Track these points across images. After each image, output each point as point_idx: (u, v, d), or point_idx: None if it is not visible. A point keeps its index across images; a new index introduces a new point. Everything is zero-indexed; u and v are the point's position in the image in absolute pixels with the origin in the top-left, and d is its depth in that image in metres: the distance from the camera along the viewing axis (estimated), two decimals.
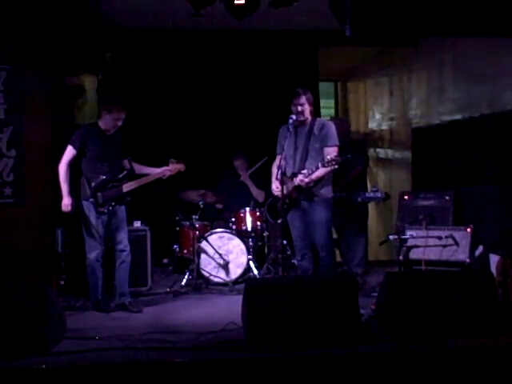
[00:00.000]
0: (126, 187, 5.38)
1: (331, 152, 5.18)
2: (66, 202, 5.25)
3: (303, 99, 5.27)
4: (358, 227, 6.57)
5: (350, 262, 6.48)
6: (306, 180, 5.11)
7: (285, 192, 5.19)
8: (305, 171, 5.11)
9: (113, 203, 5.33)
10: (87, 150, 5.28)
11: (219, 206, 7.13)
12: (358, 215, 6.53)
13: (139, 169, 5.59)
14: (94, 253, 5.31)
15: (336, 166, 5.05)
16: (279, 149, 5.43)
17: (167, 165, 5.57)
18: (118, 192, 5.34)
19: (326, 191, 5.31)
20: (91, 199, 5.25)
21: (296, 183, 5.17)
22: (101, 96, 7.27)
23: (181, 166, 5.63)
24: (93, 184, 5.26)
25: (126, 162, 5.53)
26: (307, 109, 5.30)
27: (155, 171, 5.55)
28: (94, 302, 5.37)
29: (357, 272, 6.32)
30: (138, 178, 5.49)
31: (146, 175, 5.52)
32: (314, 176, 5.12)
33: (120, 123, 5.35)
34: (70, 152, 5.26)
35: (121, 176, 5.39)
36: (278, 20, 6.49)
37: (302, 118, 5.29)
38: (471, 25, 4.88)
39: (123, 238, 5.45)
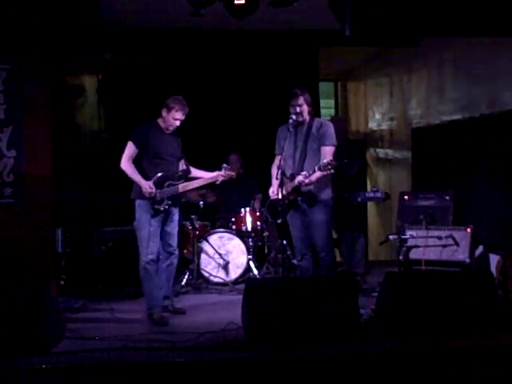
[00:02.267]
0: (183, 187, 5.24)
1: (328, 151, 5.19)
2: (147, 185, 4.97)
3: (301, 100, 5.27)
4: (358, 227, 6.57)
5: (349, 261, 6.48)
6: (306, 181, 5.11)
7: (284, 192, 5.19)
8: (304, 173, 5.10)
9: (170, 202, 5.12)
10: (147, 147, 5.11)
11: (212, 199, 7.08)
12: (357, 215, 6.53)
13: (193, 171, 5.44)
14: (149, 255, 5.02)
15: (332, 171, 5.03)
16: (278, 149, 5.43)
17: (219, 169, 5.40)
18: (175, 191, 5.18)
19: (326, 192, 5.31)
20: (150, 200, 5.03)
21: (295, 183, 5.17)
22: (101, 96, 7.28)
23: (233, 174, 5.50)
24: (152, 180, 5.04)
25: (182, 163, 5.39)
26: (305, 109, 5.30)
27: (209, 175, 5.41)
28: (152, 313, 4.98)
29: (357, 272, 6.32)
30: (191, 180, 5.35)
31: (198, 178, 5.39)
32: (313, 178, 5.12)
33: (178, 123, 5.25)
34: (130, 148, 5.08)
35: (178, 175, 5.24)
36: (277, 20, 6.49)
37: (300, 119, 5.29)
38: (471, 25, 4.88)
39: (174, 241, 5.26)
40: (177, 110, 5.20)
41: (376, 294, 4.96)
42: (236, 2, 5.18)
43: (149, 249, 5.03)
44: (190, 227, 6.43)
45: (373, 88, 9.23)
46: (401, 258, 5.48)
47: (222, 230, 6.57)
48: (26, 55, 5.54)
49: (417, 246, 5.52)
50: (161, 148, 5.17)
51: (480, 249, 5.73)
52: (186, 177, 5.33)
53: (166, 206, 5.11)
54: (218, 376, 3.80)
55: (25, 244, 5.49)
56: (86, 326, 4.76)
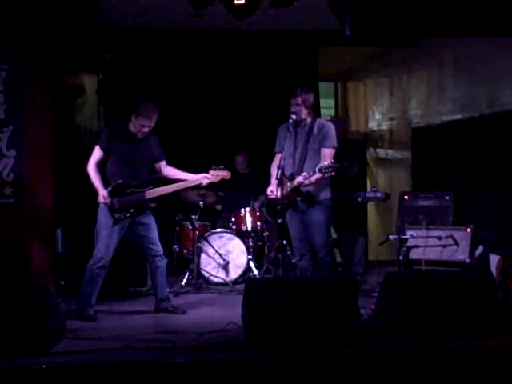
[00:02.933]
0: (150, 194, 5.09)
1: (328, 153, 5.19)
2: (103, 194, 4.95)
3: (299, 100, 5.28)
4: (358, 227, 6.57)
5: (349, 261, 6.48)
6: (306, 182, 5.10)
7: (284, 191, 5.19)
8: (304, 173, 5.10)
9: (132, 210, 5.02)
10: (113, 151, 5.06)
11: (218, 207, 7.14)
12: (357, 215, 6.54)
13: (174, 174, 5.30)
14: (101, 260, 5.00)
15: (333, 173, 5.02)
16: (278, 147, 5.43)
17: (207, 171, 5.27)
18: (139, 198, 5.05)
19: (325, 192, 5.31)
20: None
21: (295, 184, 5.16)
22: (101, 96, 7.28)
23: (224, 174, 5.30)
24: (109, 188, 5.01)
25: (159, 166, 5.28)
26: (302, 110, 5.29)
27: (193, 178, 5.23)
28: (80, 311, 5.03)
29: (357, 272, 6.33)
30: (174, 182, 5.25)
31: (181, 181, 5.24)
32: (312, 179, 5.12)
33: (146, 130, 5.10)
34: (97, 153, 5.05)
35: (145, 181, 5.11)
36: (277, 20, 6.50)
37: (298, 118, 5.29)
38: (471, 25, 4.88)
39: (155, 243, 5.19)
40: (144, 117, 5.08)
41: (376, 294, 4.96)
42: (236, 2, 5.18)
43: (102, 254, 5.01)
44: (190, 227, 6.43)
45: (373, 88, 9.22)
46: (401, 258, 5.47)
47: (221, 230, 6.57)
48: (26, 55, 5.54)
49: (417, 246, 5.52)
50: (127, 153, 5.09)
51: (480, 249, 5.73)
52: (157, 182, 5.19)
53: (128, 215, 5.02)
54: (218, 376, 3.79)
55: (25, 244, 5.49)
56: (86, 326, 4.76)
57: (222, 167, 5.34)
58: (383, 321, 4.44)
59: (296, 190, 5.23)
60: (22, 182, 5.55)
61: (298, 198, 5.28)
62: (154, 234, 5.20)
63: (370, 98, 9.30)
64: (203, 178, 5.23)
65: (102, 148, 5.08)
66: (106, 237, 5.02)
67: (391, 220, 7.51)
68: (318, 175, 5.07)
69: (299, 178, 5.11)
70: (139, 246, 5.26)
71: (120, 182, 5.04)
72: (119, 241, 5.09)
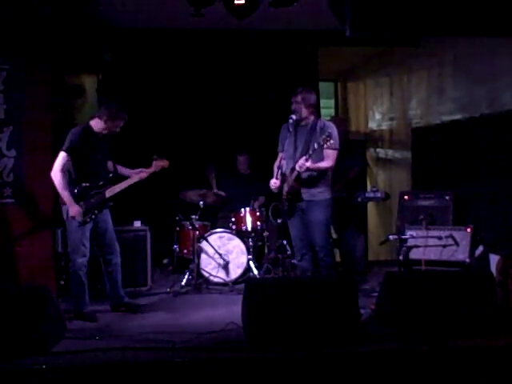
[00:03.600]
0: (109, 192, 5.19)
1: (331, 154, 5.19)
2: (76, 209, 4.95)
3: (299, 98, 5.28)
4: (358, 227, 6.57)
5: (349, 261, 6.48)
6: (307, 164, 5.06)
7: (286, 188, 5.19)
8: (305, 156, 5.08)
9: (95, 211, 5.10)
10: (77, 154, 5.01)
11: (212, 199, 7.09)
12: (357, 215, 6.54)
13: (124, 171, 5.42)
14: (81, 259, 5.04)
15: (332, 141, 4.99)
16: (280, 147, 5.43)
17: (151, 163, 5.44)
18: (101, 198, 5.15)
19: (325, 192, 5.31)
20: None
21: (297, 168, 5.13)
22: (101, 96, 7.27)
23: (164, 163, 5.50)
24: (75, 191, 5.01)
25: (110, 165, 5.34)
26: (302, 108, 5.29)
27: (133, 173, 5.38)
28: (79, 311, 5.05)
29: (357, 272, 6.33)
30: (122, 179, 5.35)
31: (126, 178, 5.36)
32: (315, 165, 5.10)
33: (118, 130, 5.19)
34: (63, 158, 4.96)
35: (102, 182, 5.17)
36: (278, 20, 6.49)
37: (298, 117, 5.29)
38: (471, 25, 4.87)
39: (111, 240, 5.29)
40: (121, 119, 5.16)
41: (376, 294, 4.96)
42: (236, 1, 5.18)
43: (80, 254, 5.05)
44: (190, 227, 6.43)
45: (373, 88, 9.22)
46: (401, 258, 5.48)
47: (221, 230, 6.57)
48: (25, 55, 5.54)
49: (417, 246, 5.52)
50: (91, 154, 5.09)
51: (480, 249, 5.73)
52: (113, 180, 5.29)
53: (93, 216, 5.10)
54: (218, 376, 3.80)
55: (25, 244, 5.49)
56: (86, 326, 4.76)
57: (163, 157, 5.53)
58: (383, 321, 4.45)
59: (298, 178, 5.20)
60: (22, 182, 5.56)
61: (302, 195, 5.25)
62: (110, 229, 5.29)
63: (370, 98, 9.30)
64: (141, 173, 5.39)
65: (67, 153, 4.97)
66: (79, 239, 5.04)
67: (391, 220, 7.51)
68: (318, 163, 5.04)
69: (300, 161, 5.08)
70: (97, 243, 5.27)
71: (84, 185, 5.07)
72: (94, 236, 5.18)
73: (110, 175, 5.29)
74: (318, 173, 5.23)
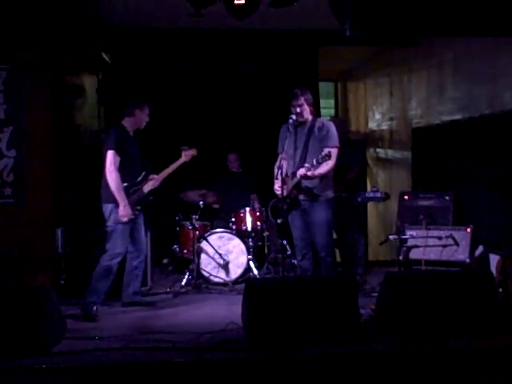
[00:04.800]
0: (147, 187, 5.40)
1: (332, 153, 5.18)
2: (128, 210, 5.15)
3: (301, 100, 5.27)
4: (358, 227, 6.57)
5: (349, 261, 6.48)
6: (308, 174, 5.08)
7: (285, 192, 5.19)
8: (307, 165, 5.09)
9: (138, 207, 5.31)
10: (120, 152, 5.21)
11: (215, 206, 7.14)
12: (357, 215, 6.53)
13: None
14: (119, 255, 5.20)
15: (331, 161, 5.02)
16: (280, 148, 5.43)
17: (179, 153, 5.59)
18: (141, 194, 5.35)
19: (327, 192, 5.31)
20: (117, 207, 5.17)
21: (297, 177, 5.15)
22: (101, 96, 7.27)
23: (194, 152, 5.62)
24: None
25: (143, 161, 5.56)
26: (306, 109, 5.30)
27: (174, 164, 5.56)
28: (87, 308, 5.05)
29: (357, 272, 6.33)
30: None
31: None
32: (316, 172, 5.11)
33: (148, 119, 5.46)
34: (114, 156, 5.15)
35: (140, 179, 5.37)
36: (278, 20, 6.50)
37: (301, 119, 5.29)
38: (471, 25, 4.88)
39: (143, 236, 5.51)
40: (147, 107, 5.44)
41: (376, 294, 4.96)
42: (236, 1, 5.18)
43: (120, 250, 5.20)
44: (190, 227, 6.43)
45: (373, 88, 9.23)
46: (401, 258, 5.48)
47: (221, 230, 6.57)
48: (26, 55, 5.54)
49: (417, 246, 5.52)
50: (129, 151, 5.28)
51: (480, 249, 5.73)
52: (148, 176, 5.46)
53: (136, 213, 5.28)
54: (218, 376, 3.79)
55: (25, 244, 5.49)
56: (86, 326, 4.75)
57: (191, 147, 5.66)
58: (383, 321, 4.44)
59: (298, 186, 5.22)
60: (22, 182, 5.55)
61: (301, 197, 5.27)
62: (143, 230, 5.52)
63: (370, 98, 9.30)
64: (179, 162, 5.55)
65: (117, 151, 5.18)
66: (121, 233, 5.21)
67: (391, 220, 7.51)
68: (319, 169, 5.07)
69: (301, 170, 5.09)
70: (131, 237, 5.38)
71: (125, 185, 5.23)
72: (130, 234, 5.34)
73: (144, 173, 5.43)
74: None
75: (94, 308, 5.07)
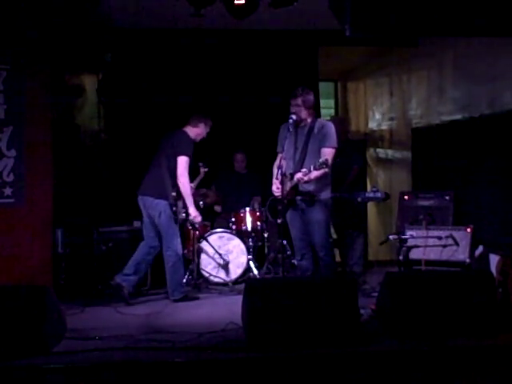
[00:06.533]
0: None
1: (328, 153, 5.19)
2: (197, 214, 5.73)
3: (299, 100, 5.28)
4: (358, 227, 6.57)
5: (348, 261, 6.49)
6: (305, 178, 5.10)
7: (283, 192, 5.19)
8: (304, 169, 5.11)
9: (184, 210, 5.72)
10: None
11: (218, 208, 7.16)
12: (357, 215, 6.54)
13: None
14: (181, 248, 5.70)
15: (327, 169, 5.05)
16: (279, 147, 5.44)
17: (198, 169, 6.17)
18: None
19: (325, 192, 5.32)
20: (173, 207, 5.56)
21: (295, 180, 5.16)
22: (101, 96, 7.27)
23: (206, 170, 6.30)
24: (173, 193, 5.56)
25: None
26: (302, 110, 5.30)
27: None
28: (185, 295, 5.67)
29: (355, 271, 6.33)
30: None
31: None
32: (312, 176, 5.12)
33: (205, 135, 5.85)
34: (187, 162, 5.53)
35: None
36: (278, 20, 6.49)
37: (297, 119, 5.30)
38: (471, 25, 4.87)
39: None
40: (210, 121, 5.83)
41: (376, 294, 4.96)
42: (236, 1, 5.18)
43: (180, 244, 5.70)
44: (190, 227, 6.43)
45: (373, 88, 9.22)
46: (401, 258, 5.48)
47: (222, 230, 6.57)
48: (26, 55, 5.53)
49: (417, 246, 5.52)
50: (192, 158, 5.67)
51: (480, 249, 5.73)
52: None
53: (184, 215, 5.71)
54: (218, 376, 3.80)
55: (25, 244, 5.49)
56: (86, 326, 4.76)
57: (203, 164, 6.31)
58: (383, 321, 4.45)
59: (295, 188, 5.23)
60: (22, 182, 5.55)
61: (298, 197, 5.28)
62: None
63: (370, 98, 9.30)
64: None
65: (190, 158, 5.59)
66: (177, 232, 5.69)
67: (391, 220, 7.51)
68: (316, 173, 5.08)
69: (298, 174, 5.11)
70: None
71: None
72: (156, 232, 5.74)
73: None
74: None
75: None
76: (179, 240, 5.69)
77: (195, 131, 5.71)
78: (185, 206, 5.70)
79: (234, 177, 7.28)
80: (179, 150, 5.54)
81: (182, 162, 5.51)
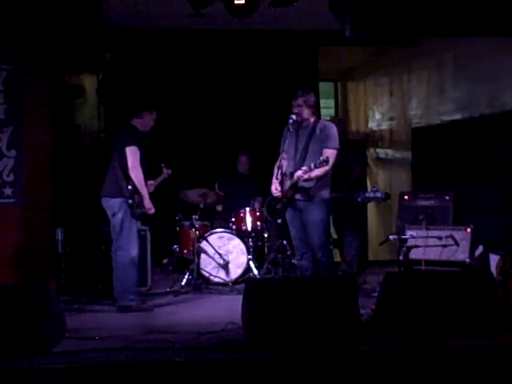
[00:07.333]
0: (150, 187, 5.54)
1: (330, 154, 5.19)
2: (152, 205, 5.40)
3: (300, 101, 5.28)
4: (358, 227, 6.57)
5: (344, 258, 6.53)
6: (305, 176, 5.09)
7: (283, 191, 5.19)
8: (304, 167, 5.10)
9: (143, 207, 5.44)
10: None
11: (219, 207, 7.16)
12: (357, 215, 6.54)
13: None
14: (136, 250, 5.33)
15: (327, 168, 5.05)
16: (282, 147, 5.44)
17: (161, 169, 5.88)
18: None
19: (324, 192, 5.31)
20: (129, 200, 5.26)
21: (295, 178, 5.15)
22: (101, 96, 7.27)
23: (169, 172, 5.96)
24: (129, 187, 5.28)
25: None
26: (304, 110, 5.30)
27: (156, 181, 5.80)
28: (132, 305, 5.25)
29: (352, 270, 6.34)
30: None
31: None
32: (313, 174, 5.12)
33: (153, 123, 5.58)
34: (137, 153, 5.31)
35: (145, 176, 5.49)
36: (278, 20, 6.49)
37: (299, 119, 5.29)
38: (471, 25, 4.88)
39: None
40: (153, 107, 5.58)
41: (376, 294, 4.96)
42: (236, 1, 5.18)
43: (136, 245, 5.34)
44: (190, 227, 6.43)
45: (373, 88, 9.23)
46: (401, 258, 5.48)
47: (222, 230, 6.57)
48: (26, 55, 5.54)
49: (417, 246, 5.52)
50: (142, 151, 5.38)
51: (480, 249, 5.73)
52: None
53: (143, 209, 5.38)
54: (218, 376, 3.79)
55: (25, 244, 5.49)
56: (86, 326, 4.75)
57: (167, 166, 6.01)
58: (383, 321, 4.44)
59: (294, 186, 5.22)
60: (22, 182, 5.55)
61: (297, 197, 5.27)
62: None
63: (370, 98, 9.31)
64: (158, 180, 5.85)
65: (139, 149, 5.33)
66: (134, 231, 5.35)
67: (391, 220, 7.51)
68: (317, 171, 5.07)
69: (299, 172, 5.10)
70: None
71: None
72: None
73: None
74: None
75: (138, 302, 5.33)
76: (136, 242, 5.35)
77: (141, 122, 5.51)
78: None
79: (236, 177, 7.28)
80: (126, 142, 5.34)
81: (131, 153, 5.27)
